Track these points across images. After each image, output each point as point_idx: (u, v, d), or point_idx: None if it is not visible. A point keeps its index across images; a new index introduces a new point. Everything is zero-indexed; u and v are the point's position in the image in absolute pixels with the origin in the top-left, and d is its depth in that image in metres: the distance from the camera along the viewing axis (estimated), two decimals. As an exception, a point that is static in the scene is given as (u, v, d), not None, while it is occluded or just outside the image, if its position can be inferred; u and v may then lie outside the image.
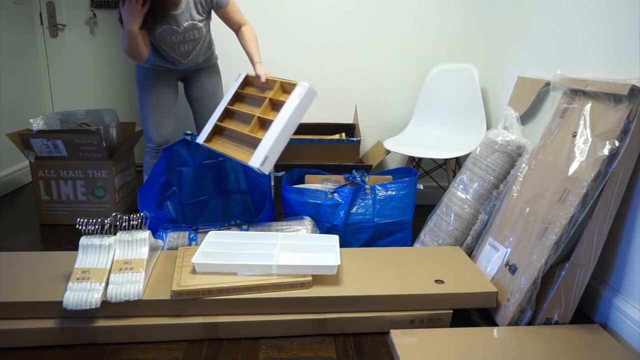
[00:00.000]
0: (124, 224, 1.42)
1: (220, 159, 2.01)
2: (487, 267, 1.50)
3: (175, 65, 1.88)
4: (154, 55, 1.86)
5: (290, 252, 1.52)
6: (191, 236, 1.64)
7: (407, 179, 1.82)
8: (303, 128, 2.32)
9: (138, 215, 1.43)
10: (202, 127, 2.04)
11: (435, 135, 2.22)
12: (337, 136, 2.28)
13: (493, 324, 1.40)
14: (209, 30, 1.88)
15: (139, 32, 1.64)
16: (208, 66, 1.97)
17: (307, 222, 1.70)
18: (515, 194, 1.53)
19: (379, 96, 2.40)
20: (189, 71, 1.95)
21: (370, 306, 1.33)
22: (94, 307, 1.21)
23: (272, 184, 2.32)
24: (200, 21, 1.77)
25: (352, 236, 1.78)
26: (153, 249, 1.46)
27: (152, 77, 1.88)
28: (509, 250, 1.44)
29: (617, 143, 1.25)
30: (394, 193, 1.79)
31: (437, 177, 2.52)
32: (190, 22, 1.74)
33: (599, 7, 1.46)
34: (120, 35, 3.01)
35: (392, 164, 2.50)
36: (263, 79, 1.72)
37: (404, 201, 1.79)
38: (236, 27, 1.87)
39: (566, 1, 1.64)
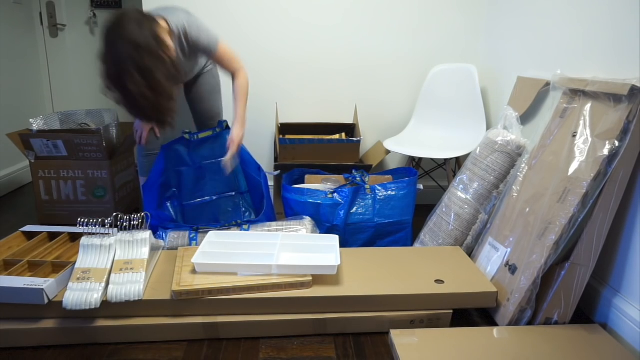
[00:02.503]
0: (124, 224, 1.42)
1: (220, 159, 2.02)
2: (487, 267, 1.50)
3: None
4: None
5: (290, 252, 1.52)
6: (191, 236, 1.64)
7: (407, 179, 1.82)
8: (303, 128, 2.33)
9: (139, 215, 1.43)
10: (197, 126, 2.06)
11: (435, 135, 2.22)
12: (337, 136, 2.28)
13: (493, 324, 1.40)
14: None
15: None
16: (204, 73, 1.96)
17: (307, 222, 1.70)
18: (515, 194, 1.53)
19: (379, 96, 2.40)
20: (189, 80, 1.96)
21: (370, 306, 1.33)
22: (93, 307, 1.21)
23: (272, 183, 2.32)
24: (193, 60, 1.77)
25: (352, 236, 1.78)
26: (154, 249, 1.46)
27: None
28: (509, 250, 1.44)
29: (617, 143, 1.25)
30: (394, 193, 1.79)
31: (437, 177, 2.52)
32: (192, 72, 1.77)
33: (599, 7, 1.46)
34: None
35: (392, 164, 2.50)
36: (232, 149, 1.71)
37: (404, 201, 1.79)
38: (228, 73, 1.78)
39: (566, 1, 1.64)
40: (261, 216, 1.71)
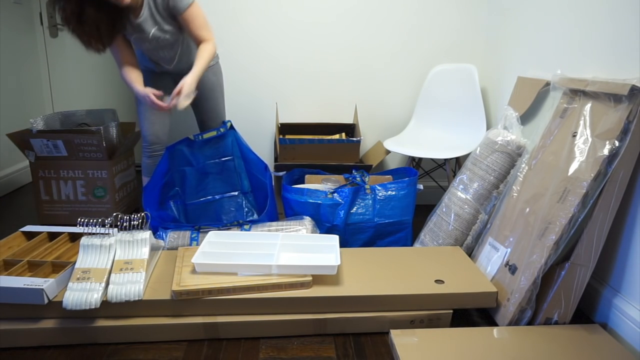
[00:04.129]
0: (124, 224, 1.42)
1: (224, 159, 2.02)
2: (487, 267, 1.50)
3: (165, 69, 1.88)
4: (146, 58, 1.87)
5: (290, 252, 1.52)
6: (193, 236, 1.64)
7: (407, 179, 1.82)
8: (303, 128, 2.33)
9: (139, 215, 1.43)
10: (201, 127, 2.05)
11: (435, 135, 2.22)
12: (337, 136, 2.28)
13: (493, 324, 1.40)
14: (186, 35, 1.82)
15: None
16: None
17: (307, 222, 1.70)
18: (515, 194, 1.53)
19: (379, 96, 2.40)
20: (185, 73, 1.91)
21: (370, 306, 1.33)
22: (93, 307, 1.21)
23: (273, 183, 2.32)
24: (169, 24, 1.71)
25: (352, 236, 1.78)
26: (154, 249, 1.46)
27: (146, 77, 1.87)
28: (509, 250, 1.44)
29: (617, 143, 1.25)
30: (394, 193, 1.79)
31: (437, 177, 2.52)
32: (156, 28, 1.69)
33: (599, 7, 1.46)
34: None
35: (392, 164, 2.50)
36: (176, 91, 1.64)
37: (404, 201, 1.79)
38: (196, 41, 1.75)
39: (566, 1, 1.64)
40: (263, 215, 1.71)
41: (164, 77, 1.93)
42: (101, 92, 3.10)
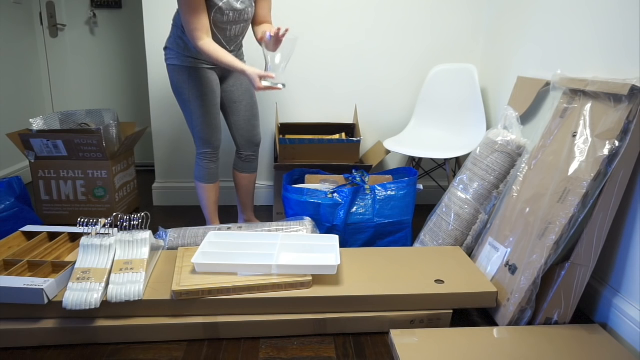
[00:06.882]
0: (124, 224, 1.42)
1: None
2: (487, 267, 1.50)
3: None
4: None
5: (290, 252, 1.52)
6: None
7: (407, 179, 1.82)
8: (303, 128, 2.33)
9: (139, 215, 1.43)
10: (238, 133, 1.90)
11: (435, 135, 2.22)
12: (337, 136, 2.28)
13: (493, 324, 1.40)
14: None
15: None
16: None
17: (307, 222, 1.70)
18: (515, 194, 1.53)
19: (379, 96, 2.40)
20: (226, 70, 1.82)
21: (370, 306, 1.33)
22: (93, 307, 1.22)
23: (272, 184, 2.31)
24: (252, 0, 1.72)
25: (352, 236, 1.78)
26: (154, 249, 1.46)
27: (200, 76, 1.72)
28: (509, 250, 1.44)
29: (617, 143, 1.25)
30: (393, 193, 1.79)
31: (437, 177, 2.52)
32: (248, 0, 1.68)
33: (599, 7, 1.46)
34: (119, 35, 3.01)
35: (392, 164, 2.50)
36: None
37: (404, 201, 1.79)
38: (262, 20, 1.79)
39: (566, 1, 1.65)
40: None
41: (213, 75, 1.78)
42: (101, 92, 3.11)
